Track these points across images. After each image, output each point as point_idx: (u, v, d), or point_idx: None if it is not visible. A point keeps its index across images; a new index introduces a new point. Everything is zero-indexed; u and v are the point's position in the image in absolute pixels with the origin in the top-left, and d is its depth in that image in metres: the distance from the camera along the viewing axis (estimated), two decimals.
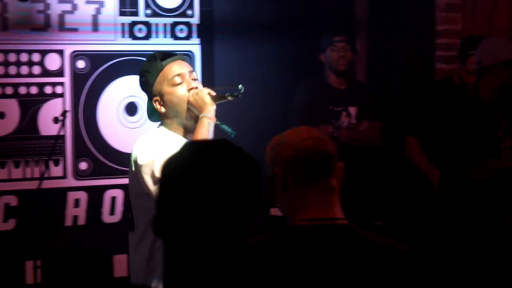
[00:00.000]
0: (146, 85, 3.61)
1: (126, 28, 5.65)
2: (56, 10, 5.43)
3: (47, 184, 5.32)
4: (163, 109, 3.56)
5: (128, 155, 5.38)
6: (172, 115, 3.54)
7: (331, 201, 2.46)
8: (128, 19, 5.65)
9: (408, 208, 5.58)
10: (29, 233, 5.35)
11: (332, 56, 5.79)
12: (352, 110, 5.79)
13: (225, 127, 3.57)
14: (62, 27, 5.47)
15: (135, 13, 5.66)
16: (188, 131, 3.53)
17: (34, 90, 5.43)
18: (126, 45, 5.66)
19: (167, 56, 3.61)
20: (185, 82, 3.54)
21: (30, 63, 5.42)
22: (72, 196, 5.52)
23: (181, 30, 5.81)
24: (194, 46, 5.84)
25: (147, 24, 5.71)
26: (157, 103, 3.57)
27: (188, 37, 5.82)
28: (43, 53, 5.45)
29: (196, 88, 3.53)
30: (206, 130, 3.41)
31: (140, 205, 3.54)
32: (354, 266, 2.38)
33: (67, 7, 5.47)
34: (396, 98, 6.01)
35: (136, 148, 3.50)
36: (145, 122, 5.71)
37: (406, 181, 5.60)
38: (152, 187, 3.35)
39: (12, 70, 5.38)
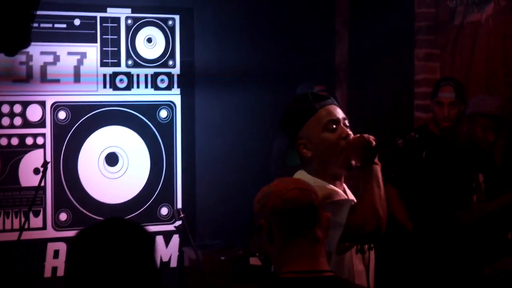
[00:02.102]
0: (292, 126, 3.32)
1: (108, 78, 5.67)
2: (38, 61, 5.46)
3: (27, 235, 5.29)
4: (309, 154, 3.26)
5: (108, 206, 5.39)
6: (320, 161, 3.27)
7: (316, 252, 2.45)
8: (110, 70, 5.68)
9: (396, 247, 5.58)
10: (9, 284, 5.30)
11: None
12: None
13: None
14: (44, 78, 5.50)
15: (117, 64, 5.69)
16: (336, 179, 3.27)
17: (15, 141, 5.43)
18: (108, 95, 5.67)
19: (321, 98, 3.33)
20: (339, 128, 3.26)
21: (12, 115, 5.42)
22: (51, 247, 5.50)
23: (162, 80, 5.83)
24: (175, 97, 5.86)
25: (128, 74, 5.73)
26: (302, 146, 3.27)
27: (169, 87, 5.85)
28: (25, 104, 5.46)
29: (350, 135, 3.26)
30: (377, 175, 3.15)
31: None
32: None
33: (49, 58, 5.49)
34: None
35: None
36: (125, 172, 5.71)
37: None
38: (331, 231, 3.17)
39: None
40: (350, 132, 3.25)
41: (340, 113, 3.28)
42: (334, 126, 3.23)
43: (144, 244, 2.23)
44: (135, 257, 2.18)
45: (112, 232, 2.22)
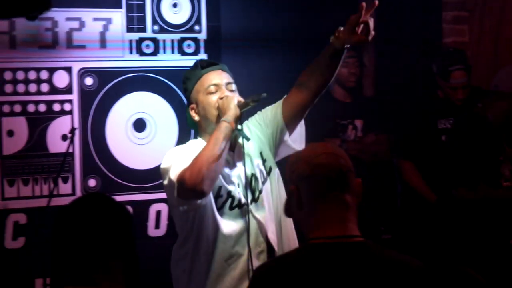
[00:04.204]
0: (186, 92, 3.63)
1: (134, 44, 5.65)
2: (63, 27, 5.44)
3: (56, 202, 5.30)
4: (197, 118, 3.54)
5: (136, 172, 5.39)
6: (205, 123, 3.53)
7: (346, 218, 2.44)
8: (136, 36, 5.65)
9: (418, 221, 5.55)
10: (39, 251, 5.33)
11: (342, 73, 5.76)
12: (358, 123, 5.79)
13: (242, 133, 3.51)
14: (70, 44, 5.48)
15: (143, 30, 5.66)
16: None
17: (42, 107, 5.43)
18: (134, 61, 5.65)
19: (209, 64, 3.60)
20: (219, 91, 3.51)
21: (38, 81, 5.42)
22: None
23: (189, 45, 5.81)
24: None
25: (154, 40, 5.71)
26: (193, 111, 3.56)
27: (195, 53, 5.82)
28: (51, 70, 5.45)
29: (227, 96, 3.50)
30: (220, 134, 3.35)
31: (175, 216, 3.54)
32: (371, 284, 2.35)
33: (74, 24, 5.48)
34: (404, 111, 5.99)
35: (163, 158, 3.47)
36: (153, 138, 5.71)
37: (415, 194, 5.57)
38: (170, 190, 3.34)
39: (20, 88, 5.38)
40: (230, 94, 3.51)
41: (224, 78, 3.56)
42: (215, 90, 3.50)
43: (119, 216, 2.44)
44: (110, 229, 2.39)
45: (91, 207, 2.44)
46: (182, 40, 5.79)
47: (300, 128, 3.69)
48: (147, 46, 5.69)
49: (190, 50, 5.81)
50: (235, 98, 3.47)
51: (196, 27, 5.82)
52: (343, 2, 6.42)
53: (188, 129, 5.78)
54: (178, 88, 5.76)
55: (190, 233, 3.47)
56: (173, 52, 5.77)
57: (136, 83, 5.66)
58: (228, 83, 3.56)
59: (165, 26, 5.74)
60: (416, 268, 2.43)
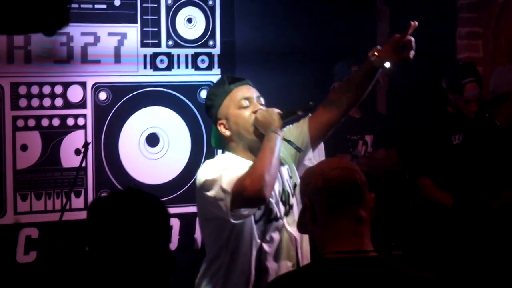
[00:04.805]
0: (212, 108, 3.55)
1: (148, 59, 5.67)
2: (79, 42, 5.46)
3: (68, 216, 5.31)
4: (228, 133, 3.49)
5: (149, 186, 5.39)
6: (238, 138, 3.49)
7: (360, 232, 2.43)
8: (150, 51, 5.67)
9: (430, 236, 5.52)
10: (51, 265, 5.34)
11: None
12: (368, 138, 5.78)
13: (292, 143, 3.50)
14: (85, 59, 5.50)
15: (157, 44, 5.68)
16: (254, 153, 3.45)
17: (56, 122, 5.45)
18: (148, 76, 5.67)
19: (236, 80, 3.57)
20: (252, 105, 3.50)
21: (53, 95, 5.44)
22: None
23: (203, 60, 5.82)
24: (215, 77, 5.84)
25: (168, 55, 5.72)
26: (222, 126, 3.51)
27: (209, 68, 5.83)
28: (66, 85, 5.47)
29: (267, 109, 3.49)
30: (273, 144, 3.34)
31: (208, 231, 3.52)
32: None
33: (89, 39, 5.50)
34: (417, 128, 5.97)
35: (200, 171, 3.45)
36: (166, 153, 5.71)
37: (428, 209, 5.55)
38: (222, 201, 3.28)
39: (35, 102, 5.40)
40: (262, 108, 3.48)
41: (253, 92, 3.55)
42: (247, 103, 3.47)
43: (157, 215, 2.31)
44: (146, 227, 2.26)
45: (127, 201, 2.30)
46: (196, 55, 5.80)
47: (320, 146, 3.69)
48: (161, 61, 5.71)
49: (204, 65, 5.82)
50: (275, 109, 3.47)
51: (210, 42, 5.83)
52: (356, 16, 6.44)
53: (201, 144, 5.81)
54: (191, 103, 5.77)
55: (225, 247, 3.44)
56: (187, 67, 5.78)
57: (150, 98, 5.67)
58: (258, 97, 3.55)
59: (180, 41, 5.75)
60: (432, 284, 2.42)
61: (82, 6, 5.45)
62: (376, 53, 3.45)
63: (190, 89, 5.78)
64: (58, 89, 5.45)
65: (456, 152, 5.20)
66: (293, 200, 3.56)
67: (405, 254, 5.92)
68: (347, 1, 6.39)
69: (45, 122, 5.42)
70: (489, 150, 4.99)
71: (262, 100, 3.56)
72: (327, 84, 5.79)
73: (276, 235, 3.46)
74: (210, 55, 5.83)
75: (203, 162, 5.71)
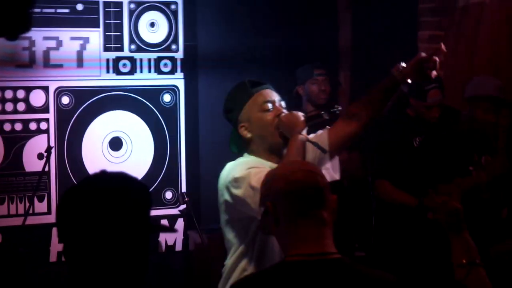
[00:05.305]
0: (232, 112, 3.56)
1: (111, 63, 5.66)
2: (41, 47, 5.46)
3: (31, 221, 5.30)
4: (249, 135, 3.51)
5: None
6: (260, 140, 3.50)
7: (323, 234, 2.44)
8: (113, 55, 5.67)
9: (393, 238, 5.57)
10: (14, 269, 5.31)
11: (312, 90, 5.81)
12: None
13: (316, 144, 3.52)
14: (47, 63, 5.49)
15: (120, 49, 5.68)
16: (275, 155, 3.49)
17: (18, 126, 5.43)
18: (111, 80, 5.67)
19: (257, 84, 3.58)
20: (274, 108, 3.51)
21: (15, 100, 5.42)
22: (57, 232, 5.49)
23: (166, 64, 5.83)
24: (178, 81, 5.85)
25: (131, 59, 5.72)
26: (243, 128, 3.51)
27: (172, 72, 5.84)
28: (28, 89, 5.46)
29: (291, 112, 3.52)
30: (300, 145, 3.39)
31: (232, 234, 3.51)
32: None
33: (52, 43, 5.49)
34: (378, 130, 6.02)
35: (225, 172, 3.45)
36: (129, 157, 5.71)
37: (390, 211, 5.59)
38: (251, 198, 3.26)
39: None
40: (285, 111, 3.51)
41: (275, 96, 3.55)
42: (270, 106, 3.49)
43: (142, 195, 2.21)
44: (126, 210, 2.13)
45: (102, 185, 2.17)
46: (159, 59, 5.81)
47: (335, 158, 3.74)
48: (124, 65, 5.71)
49: (167, 69, 5.83)
50: (299, 112, 3.50)
51: (173, 46, 5.84)
52: (318, 22, 6.48)
53: (165, 148, 5.81)
54: (154, 107, 5.78)
55: (250, 247, 3.44)
56: (150, 71, 5.79)
57: (113, 102, 5.67)
58: (280, 100, 3.58)
59: (142, 45, 5.76)
60: (393, 284, 2.45)
61: (45, 10, 5.44)
62: (400, 70, 3.52)
63: (153, 93, 5.79)
64: (21, 94, 5.44)
65: (416, 154, 5.24)
66: None
67: (368, 256, 5.95)
68: (309, 6, 6.42)
69: (7, 127, 5.41)
70: (446, 152, 5.06)
71: (283, 103, 3.58)
72: (290, 88, 5.82)
73: None
74: (173, 59, 5.84)
75: (165, 166, 5.81)
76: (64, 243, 2.15)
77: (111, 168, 5.73)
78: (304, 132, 3.44)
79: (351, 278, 2.39)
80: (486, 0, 5.84)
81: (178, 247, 5.87)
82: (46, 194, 5.48)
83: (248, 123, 3.51)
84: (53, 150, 5.38)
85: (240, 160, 3.56)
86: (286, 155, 3.41)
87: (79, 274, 2.10)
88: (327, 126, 3.67)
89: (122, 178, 2.21)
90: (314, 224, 2.44)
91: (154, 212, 5.76)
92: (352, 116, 3.62)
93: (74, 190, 2.15)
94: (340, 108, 3.56)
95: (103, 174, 2.21)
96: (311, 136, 3.59)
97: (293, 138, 3.41)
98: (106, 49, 5.65)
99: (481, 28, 5.90)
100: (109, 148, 5.67)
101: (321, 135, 3.63)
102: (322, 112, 3.54)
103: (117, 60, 5.69)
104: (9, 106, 5.42)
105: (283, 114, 3.48)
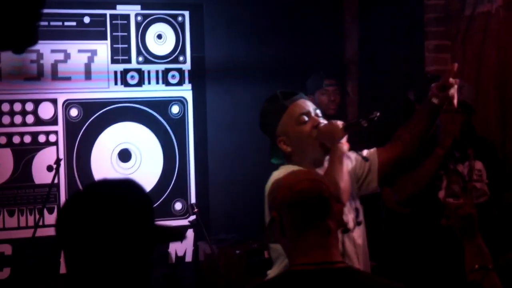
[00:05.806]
0: (268, 126, 3.51)
1: (119, 75, 5.69)
2: (49, 59, 5.48)
3: (41, 232, 5.31)
4: (289, 149, 3.46)
5: None
6: (301, 153, 3.46)
7: (328, 244, 2.44)
8: (121, 67, 5.70)
9: (403, 248, 5.57)
10: (24, 281, 5.33)
11: (322, 100, 5.81)
12: None
13: (359, 153, 3.51)
14: (55, 76, 5.52)
15: (127, 61, 5.71)
16: (318, 165, 3.44)
17: (28, 139, 5.45)
18: (119, 92, 5.69)
19: (290, 95, 3.51)
20: (311, 119, 3.46)
21: (24, 113, 5.45)
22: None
23: (173, 76, 5.85)
24: (186, 92, 5.87)
25: (139, 71, 5.75)
26: (282, 143, 3.46)
27: (180, 83, 5.86)
28: (37, 102, 5.49)
29: (321, 123, 3.48)
30: (341, 154, 3.37)
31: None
32: None
33: (60, 56, 5.52)
34: (387, 139, 6.02)
35: (269, 183, 3.42)
36: (138, 168, 5.72)
37: (400, 221, 5.59)
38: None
39: (6, 119, 5.41)
40: (322, 120, 3.47)
41: (310, 105, 3.50)
42: (306, 118, 3.43)
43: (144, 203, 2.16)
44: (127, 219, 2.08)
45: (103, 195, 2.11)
46: (166, 71, 5.83)
47: None
48: (132, 77, 5.73)
49: (175, 81, 5.85)
50: (338, 121, 3.47)
51: (181, 58, 5.87)
52: (324, 32, 6.49)
53: (174, 159, 5.82)
54: (163, 118, 5.80)
55: None
56: (157, 83, 5.81)
57: (121, 113, 5.69)
58: (314, 109, 3.54)
59: (150, 57, 5.78)
60: None
61: (52, 23, 5.47)
62: (436, 94, 3.56)
63: (161, 104, 5.81)
64: (29, 106, 5.46)
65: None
66: (361, 217, 3.60)
67: (378, 266, 5.95)
68: (316, 16, 6.43)
69: (16, 139, 5.43)
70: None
71: (318, 112, 3.54)
72: None
73: (341, 247, 3.45)
74: (180, 71, 5.86)
75: (174, 177, 5.82)
76: (63, 250, 2.14)
77: None
78: (344, 140, 3.41)
79: (358, 287, 2.40)
80: (492, 10, 5.85)
81: (188, 258, 5.88)
82: (55, 206, 5.50)
83: (286, 137, 3.46)
84: (62, 162, 5.39)
85: (283, 168, 3.46)
86: (328, 166, 3.38)
87: (77, 281, 2.09)
88: (374, 147, 3.62)
89: (121, 185, 2.18)
90: (319, 234, 2.44)
91: (164, 223, 5.76)
92: (400, 141, 3.60)
93: (74, 196, 2.14)
94: (378, 114, 3.45)
95: (105, 180, 2.17)
96: (365, 152, 3.57)
97: (333, 148, 3.39)
98: (114, 61, 5.68)
99: (487, 37, 5.89)
100: (118, 160, 5.69)
101: (372, 154, 3.60)
102: (361, 120, 3.44)
103: (125, 72, 5.71)
104: (18, 119, 5.45)
105: (321, 125, 3.43)
